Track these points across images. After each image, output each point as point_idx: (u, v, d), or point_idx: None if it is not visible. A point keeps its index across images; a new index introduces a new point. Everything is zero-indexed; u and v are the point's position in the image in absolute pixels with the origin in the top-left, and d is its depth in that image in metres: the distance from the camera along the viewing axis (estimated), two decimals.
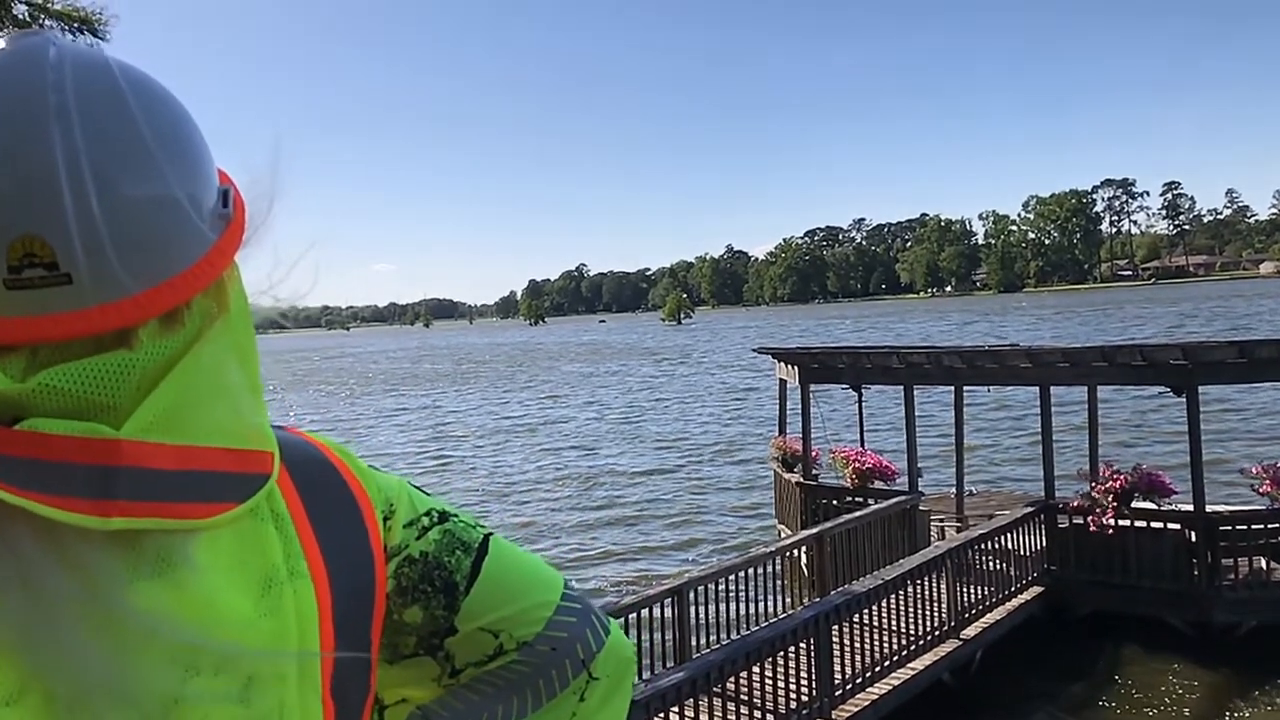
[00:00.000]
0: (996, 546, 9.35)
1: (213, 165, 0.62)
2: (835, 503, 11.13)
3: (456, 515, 0.77)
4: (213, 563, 0.58)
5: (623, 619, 6.55)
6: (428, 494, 0.79)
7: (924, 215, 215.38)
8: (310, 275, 0.67)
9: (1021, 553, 9.65)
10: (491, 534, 0.78)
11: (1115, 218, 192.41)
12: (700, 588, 7.29)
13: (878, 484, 11.25)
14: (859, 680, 7.26)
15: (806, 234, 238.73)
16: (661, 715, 5.83)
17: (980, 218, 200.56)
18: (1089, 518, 9.61)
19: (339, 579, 0.66)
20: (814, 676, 6.92)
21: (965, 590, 8.68)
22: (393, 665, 0.73)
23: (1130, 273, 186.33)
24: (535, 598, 0.77)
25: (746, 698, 6.45)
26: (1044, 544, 9.98)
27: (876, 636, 7.55)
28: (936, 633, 8.18)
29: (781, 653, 6.65)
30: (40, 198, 0.52)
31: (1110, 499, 9.51)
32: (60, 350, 0.55)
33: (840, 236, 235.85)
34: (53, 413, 0.53)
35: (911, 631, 7.92)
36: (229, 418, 0.60)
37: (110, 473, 0.53)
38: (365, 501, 0.71)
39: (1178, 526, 9.34)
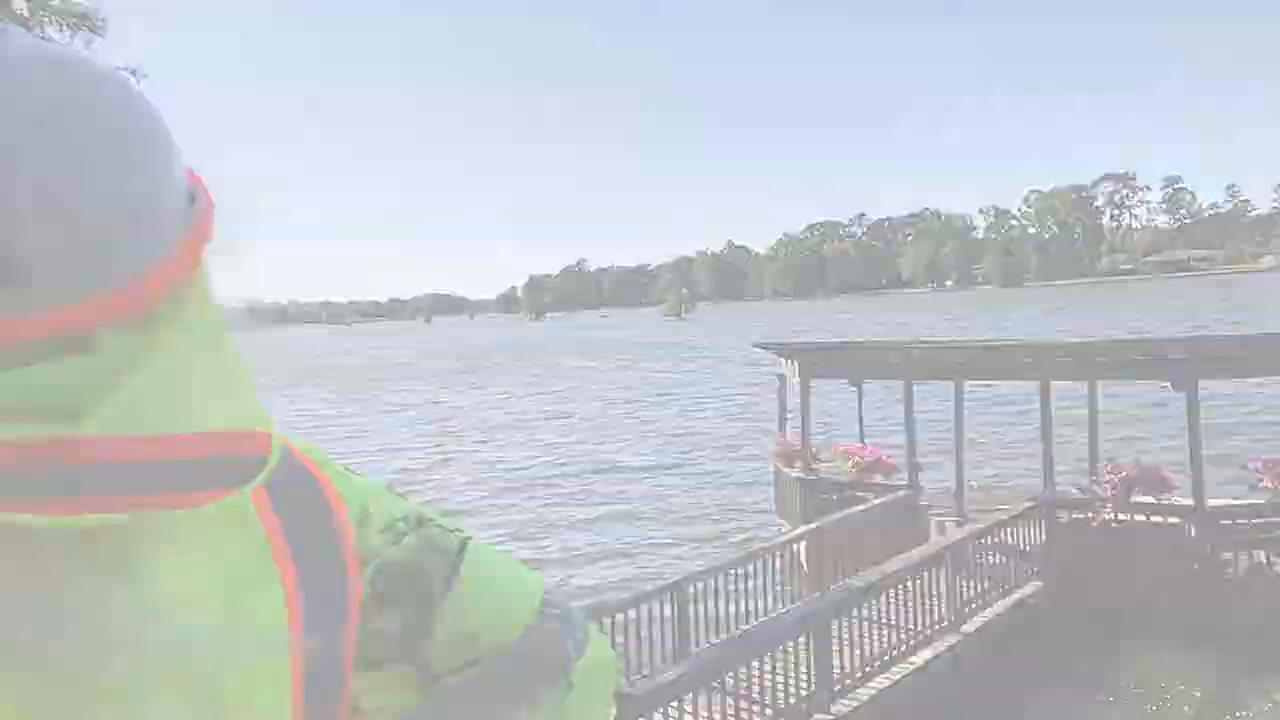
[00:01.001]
0: (996, 541, 9.35)
1: (179, 161, 0.61)
2: (835, 498, 11.14)
3: (433, 520, 0.76)
4: (176, 568, 0.57)
5: (622, 615, 6.56)
6: (404, 498, 0.77)
7: (925, 210, 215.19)
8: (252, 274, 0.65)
9: (1022, 547, 9.65)
10: (469, 538, 0.77)
11: (1116, 212, 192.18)
12: (700, 583, 7.31)
13: (878, 479, 11.25)
14: (859, 675, 7.27)
15: (807, 229, 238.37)
16: (661, 711, 5.84)
17: (981, 212, 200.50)
18: (1089, 512, 9.60)
19: (310, 586, 0.65)
20: (813, 671, 6.92)
21: (965, 585, 8.68)
22: (368, 673, 0.72)
23: (1131, 267, 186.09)
24: (514, 603, 0.76)
25: (746, 693, 6.46)
26: (1044, 539, 9.98)
27: (876, 631, 7.56)
28: (936, 628, 8.18)
29: (781, 648, 6.66)
30: None
31: (1111, 493, 9.51)
32: (16, 354, 0.53)
33: (841, 231, 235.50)
34: (10, 418, 0.52)
35: (911, 626, 7.93)
36: (203, 409, 0.58)
37: (75, 471, 0.52)
38: (339, 506, 0.70)
39: (1178, 521, 9.34)
